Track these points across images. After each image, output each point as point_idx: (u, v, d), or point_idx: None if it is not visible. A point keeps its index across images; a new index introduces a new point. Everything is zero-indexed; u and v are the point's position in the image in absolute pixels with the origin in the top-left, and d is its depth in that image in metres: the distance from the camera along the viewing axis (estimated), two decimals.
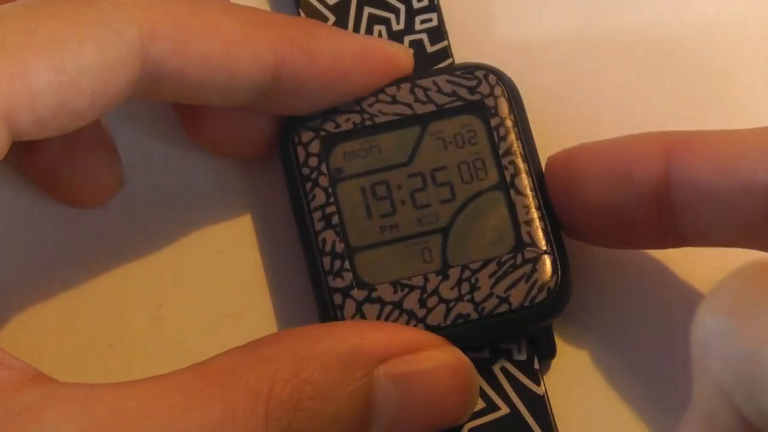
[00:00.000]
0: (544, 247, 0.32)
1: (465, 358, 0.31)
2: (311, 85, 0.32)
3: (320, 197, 0.32)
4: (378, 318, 0.32)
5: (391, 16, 0.35)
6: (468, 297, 0.32)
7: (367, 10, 0.35)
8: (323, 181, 0.33)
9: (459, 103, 0.33)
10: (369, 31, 0.35)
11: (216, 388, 0.27)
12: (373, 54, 0.33)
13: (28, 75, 0.27)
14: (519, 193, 0.32)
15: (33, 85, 0.27)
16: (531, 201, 0.32)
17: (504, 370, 0.32)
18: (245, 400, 0.27)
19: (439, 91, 0.33)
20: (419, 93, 0.33)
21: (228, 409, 0.27)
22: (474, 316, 0.32)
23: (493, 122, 0.33)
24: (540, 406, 0.32)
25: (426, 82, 0.33)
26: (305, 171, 0.33)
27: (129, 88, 0.29)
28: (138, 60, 0.29)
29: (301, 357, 0.28)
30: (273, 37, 0.31)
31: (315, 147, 0.33)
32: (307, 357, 0.28)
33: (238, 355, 0.28)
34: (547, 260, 0.32)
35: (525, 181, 0.32)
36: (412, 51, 0.34)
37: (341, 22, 0.35)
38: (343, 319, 0.32)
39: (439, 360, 0.30)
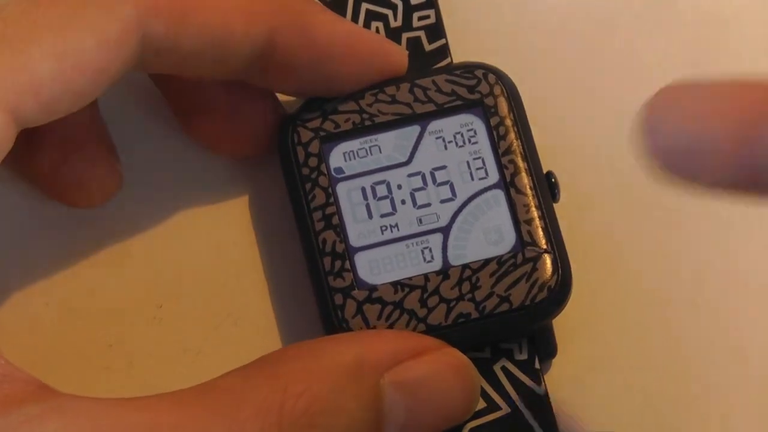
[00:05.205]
0: (545, 246, 0.32)
1: (465, 359, 0.31)
2: (301, 60, 0.32)
3: (320, 197, 0.32)
4: (379, 318, 0.32)
5: (389, 13, 0.35)
6: (469, 296, 0.32)
7: (365, 6, 0.35)
8: (323, 181, 0.33)
9: (458, 102, 0.33)
10: (366, 27, 0.35)
11: (223, 406, 0.27)
12: (364, 43, 0.33)
13: (32, 65, 0.28)
14: (519, 192, 0.32)
15: (36, 74, 0.28)
16: (531, 200, 0.32)
17: (505, 369, 0.32)
18: (254, 418, 0.27)
19: (439, 90, 0.33)
20: (419, 92, 0.33)
21: (236, 427, 0.27)
22: (475, 315, 0.32)
23: (493, 121, 0.33)
24: (541, 406, 0.32)
25: (425, 82, 0.33)
26: (305, 171, 0.33)
27: (129, 63, 0.30)
28: (136, 35, 0.29)
29: (309, 372, 0.28)
30: (267, 8, 0.31)
31: (315, 147, 0.33)
32: (315, 372, 0.28)
33: (243, 373, 0.28)
34: (548, 259, 0.32)
35: (525, 180, 0.32)
36: (407, 52, 0.34)
37: None
38: (343, 318, 0.32)
39: (440, 362, 0.30)
